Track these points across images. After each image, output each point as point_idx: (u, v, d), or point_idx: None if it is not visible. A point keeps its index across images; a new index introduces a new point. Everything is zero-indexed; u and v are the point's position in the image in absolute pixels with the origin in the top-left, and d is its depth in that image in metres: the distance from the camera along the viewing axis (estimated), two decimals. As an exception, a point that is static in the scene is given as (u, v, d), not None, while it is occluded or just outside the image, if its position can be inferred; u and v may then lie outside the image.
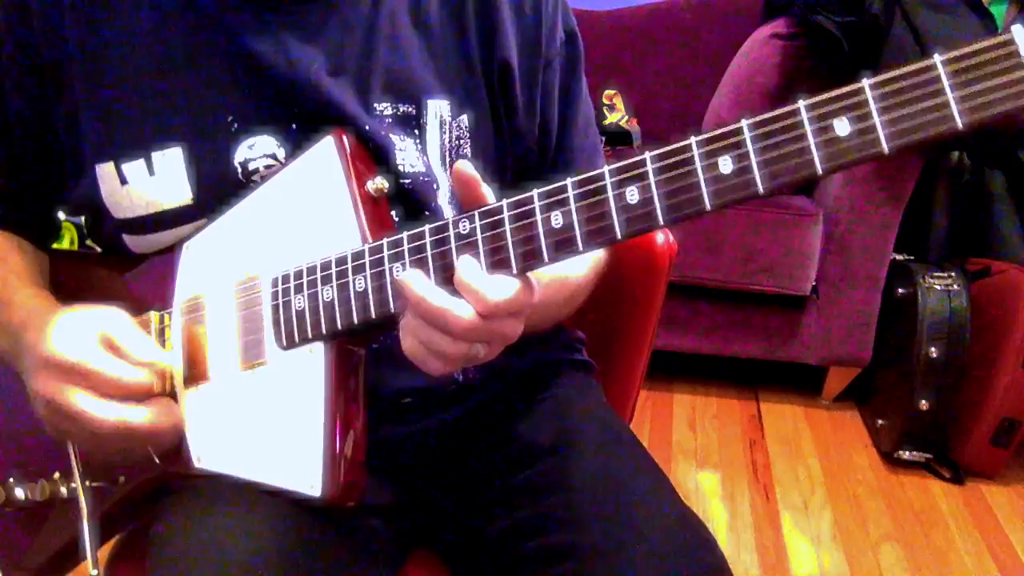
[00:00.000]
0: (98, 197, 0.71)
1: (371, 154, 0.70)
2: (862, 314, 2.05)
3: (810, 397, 2.25)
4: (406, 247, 0.58)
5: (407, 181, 0.72)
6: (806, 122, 0.45)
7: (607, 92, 2.49)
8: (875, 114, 0.43)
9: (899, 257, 2.03)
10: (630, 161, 0.50)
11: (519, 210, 0.54)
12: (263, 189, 0.69)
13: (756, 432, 2.10)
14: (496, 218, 0.55)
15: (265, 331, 0.66)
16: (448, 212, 0.74)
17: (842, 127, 0.44)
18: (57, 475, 0.74)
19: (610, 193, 0.51)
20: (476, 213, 0.56)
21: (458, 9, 0.75)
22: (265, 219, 0.68)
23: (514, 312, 0.56)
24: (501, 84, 0.76)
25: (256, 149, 0.70)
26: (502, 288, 0.54)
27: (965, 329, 1.82)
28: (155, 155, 0.69)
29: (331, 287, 0.62)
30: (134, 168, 0.69)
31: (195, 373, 0.69)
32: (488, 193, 0.56)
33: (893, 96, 0.43)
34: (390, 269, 0.59)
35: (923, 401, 1.84)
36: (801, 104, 0.45)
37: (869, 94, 0.43)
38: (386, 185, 0.65)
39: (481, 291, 0.53)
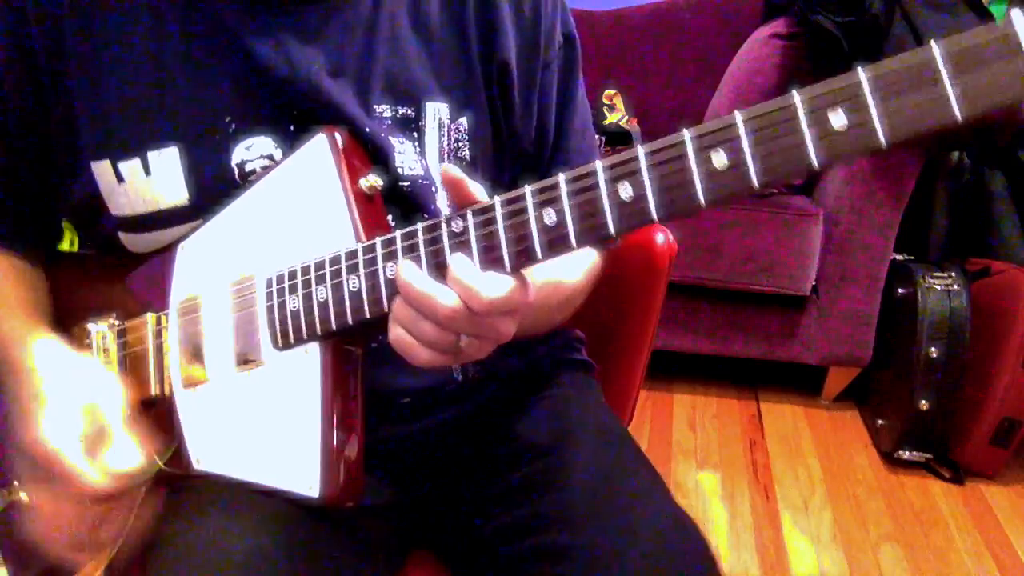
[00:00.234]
0: (97, 193, 0.71)
1: (370, 156, 0.70)
2: (862, 314, 2.05)
3: (810, 397, 2.25)
4: (399, 246, 0.58)
5: (406, 184, 0.72)
6: (801, 115, 0.44)
7: (607, 92, 2.48)
8: (872, 106, 0.42)
9: (899, 257, 2.03)
10: (623, 156, 0.50)
11: (511, 207, 0.54)
12: (257, 188, 0.68)
13: (756, 432, 2.10)
14: (488, 216, 0.55)
15: (260, 332, 0.66)
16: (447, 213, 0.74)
17: (838, 119, 0.43)
18: None
19: (603, 189, 0.50)
20: (469, 211, 0.55)
21: (458, 11, 0.74)
22: (259, 218, 0.68)
23: (508, 310, 0.55)
24: (500, 86, 0.76)
25: (253, 150, 0.70)
26: (496, 286, 0.54)
27: (965, 329, 1.82)
28: (151, 155, 0.69)
29: (325, 287, 0.62)
30: (130, 167, 0.69)
31: (192, 375, 0.69)
32: (477, 191, 0.56)
33: (890, 87, 0.42)
34: (384, 268, 0.59)
35: (923, 401, 1.84)
36: (796, 96, 0.44)
37: (865, 86, 0.42)
38: (380, 182, 0.65)
39: (475, 288, 0.53)
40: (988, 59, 0.40)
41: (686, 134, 0.47)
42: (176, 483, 0.71)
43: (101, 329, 0.74)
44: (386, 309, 0.59)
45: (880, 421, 2.01)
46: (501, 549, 0.72)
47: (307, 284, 0.63)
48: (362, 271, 0.60)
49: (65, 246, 0.85)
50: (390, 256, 0.59)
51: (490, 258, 0.54)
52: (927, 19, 1.93)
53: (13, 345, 0.68)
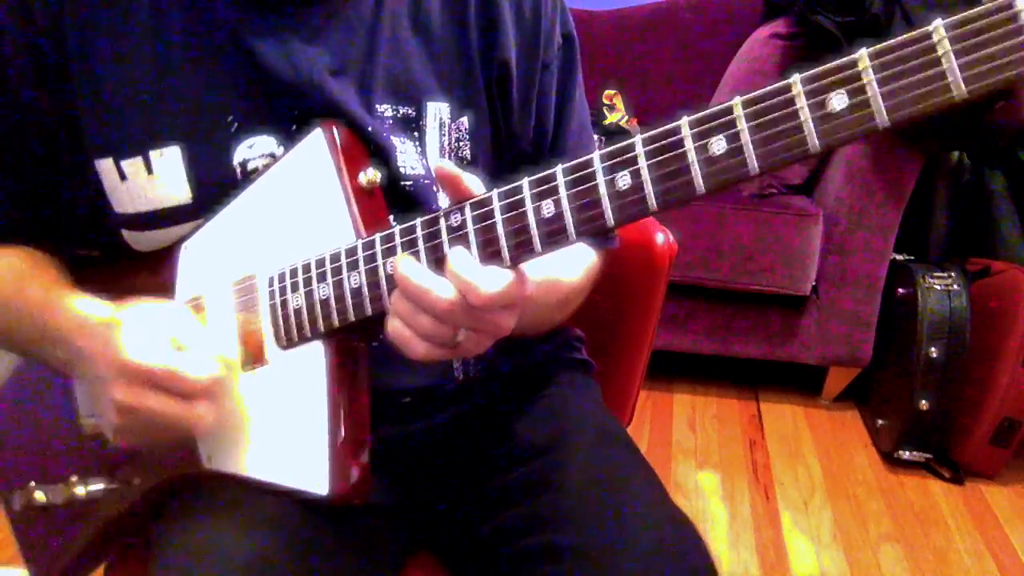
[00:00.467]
0: (100, 191, 0.71)
1: (372, 155, 0.70)
2: (862, 314, 2.05)
3: (810, 397, 2.25)
4: (398, 241, 0.58)
5: (408, 183, 0.72)
6: (801, 97, 0.43)
7: (607, 92, 2.48)
8: (872, 86, 0.41)
9: (899, 257, 2.03)
10: (620, 145, 0.50)
11: (509, 200, 0.54)
12: (257, 185, 0.68)
13: (756, 432, 2.10)
14: (486, 209, 0.55)
15: (264, 331, 0.66)
16: None
17: (838, 101, 0.42)
18: (75, 478, 0.74)
19: (600, 179, 0.50)
20: (467, 205, 0.55)
21: (459, 11, 0.74)
22: (259, 216, 0.68)
23: (507, 304, 0.55)
24: (500, 86, 0.76)
25: (256, 149, 0.70)
26: (494, 279, 0.53)
27: (965, 329, 1.82)
28: (153, 153, 0.69)
29: (326, 284, 0.62)
30: (132, 165, 0.69)
31: None
32: (474, 185, 0.56)
33: (891, 66, 0.41)
34: (384, 264, 0.59)
35: (923, 401, 1.84)
36: (796, 78, 0.43)
37: (865, 65, 0.42)
38: (378, 176, 0.65)
39: (473, 282, 0.53)
40: (990, 35, 0.39)
41: (684, 120, 0.47)
42: (180, 482, 0.71)
43: None
44: (387, 306, 0.59)
45: (880, 421, 2.01)
46: (500, 549, 0.72)
47: (308, 282, 0.63)
48: (362, 268, 0.60)
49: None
50: (390, 252, 0.59)
51: (489, 252, 0.54)
52: (927, 19, 1.92)
53: (60, 306, 0.68)
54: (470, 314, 0.55)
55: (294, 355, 0.64)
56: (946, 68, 0.40)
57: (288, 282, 0.64)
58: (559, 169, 0.52)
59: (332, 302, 0.61)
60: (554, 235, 0.52)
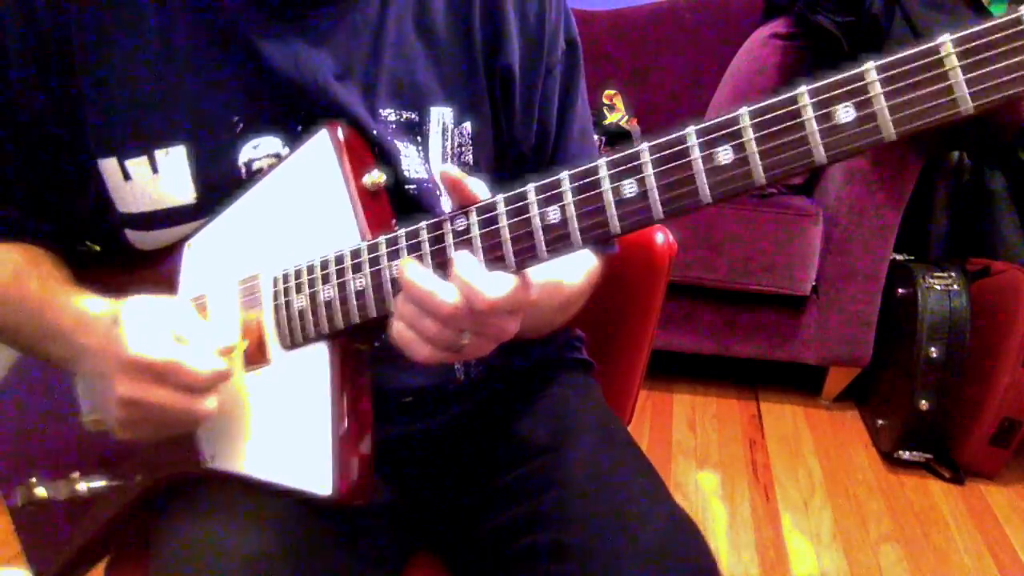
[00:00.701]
0: (104, 189, 0.71)
1: (377, 158, 0.70)
2: (862, 314, 2.05)
3: (810, 397, 2.25)
4: (403, 244, 0.58)
5: (412, 187, 0.73)
6: (809, 109, 0.43)
7: (607, 92, 2.49)
8: (880, 100, 0.41)
9: (899, 257, 2.03)
10: (626, 153, 0.49)
11: (515, 205, 0.54)
12: (261, 185, 0.69)
13: (756, 432, 2.10)
14: (492, 214, 0.55)
15: (267, 331, 0.66)
16: None
17: (845, 114, 0.42)
18: (76, 474, 0.74)
19: (606, 186, 0.50)
20: (473, 209, 0.55)
21: (464, 16, 0.74)
22: (264, 216, 0.68)
23: (511, 309, 0.55)
24: (503, 91, 0.76)
25: (260, 149, 0.70)
26: (499, 284, 0.54)
27: (965, 329, 1.82)
28: (158, 153, 0.69)
29: (330, 286, 0.62)
30: (137, 165, 0.69)
31: None
32: (479, 189, 0.56)
33: (898, 80, 0.41)
34: (388, 267, 0.59)
35: (923, 401, 1.84)
36: (803, 90, 0.43)
37: (873, 79, 0.42)
38: (383, 178, 0.65)
39: (478, 287, 0.53)
40: (998, 51, 0.39)
41: (691, 129, 0.47)
42: (180, 482, 0.71)
43: None
44: (391, 309, 0.59)
45: (880, 421, 2.01)
46: (501, 548, 0.72)
47: (312, 284, 0.63)
48: (367, 270, 0.60)
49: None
50: (394, 255, 0.59)
51: (493, 256, 0.55)
52: (927, 19, 1.93)
53: (60, 302, 0.68)
54: (474, 318, 0.55)
55: (297, 356, 0.65)
56: (953, 83, 0.40)
57: (292, 283, 0.64)
58: (565, 175, 0.52)
59: (336, 304, 0.61)
60: (558, 241, 0.52)
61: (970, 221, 2.17)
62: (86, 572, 0.85)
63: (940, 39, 0.40)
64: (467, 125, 0.75)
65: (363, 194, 0.64)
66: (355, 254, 0.61)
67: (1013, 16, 0.39)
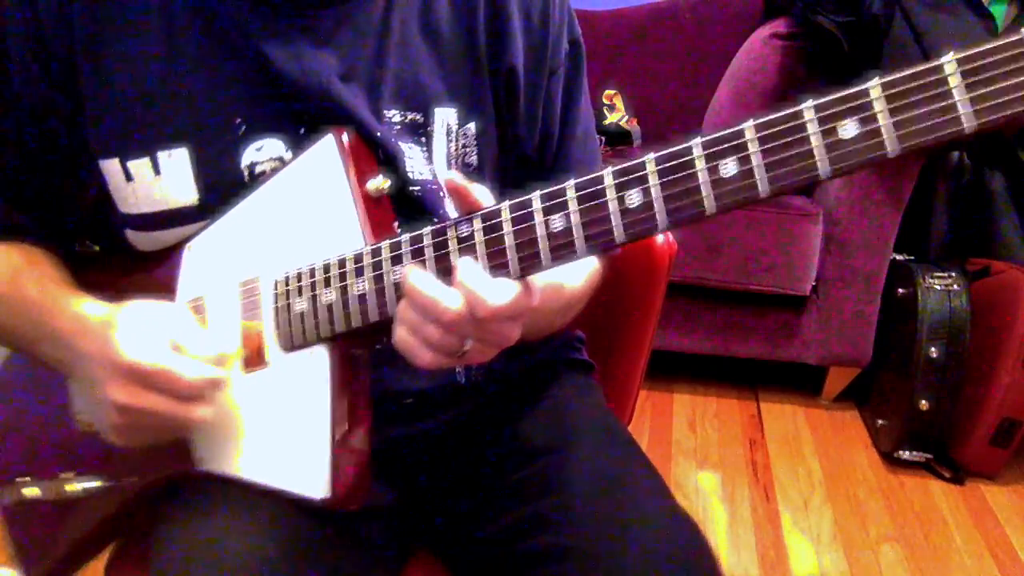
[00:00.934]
0: (105, 190, 0.71)
1: (380, 160, 0.70)
2: (862, 314, 2.05)
3: (810, 397, 2.25)
4: (406, 250, 0.58)
5: (416, 188, 0.73)
6: (812, 124, 0.44)
7: (607, 92, 2.49)
8: (883, 116, 0.42)
9: (899, 257, 2.03)
10: (631, 163, 0.50)
11: (519, 213, 0.54)
12: (264, 189, 0.69)
13: (756, 432, 2.10)
14: (495, 221, 0.55)
15: (267, 333, 0.66)
16: None
17: (848, 130, 0.43)
18: (68, 474, 0.74)
19: (611, 196, 0.50)
20: (476, 216, 0.56)
21: (468, 17, 0.74)
22: (266, 219, 0.68)
23: (513, 316, 0.56)
24: (507, 92, 0.76)
25: (264, 152, 0.70)
26: (501, 291, 0.54)
27: (965, 329, 1.82)
28: (160, 154, 0.69)
29: (332, 290, 0.62)
30: (139, 166, 0.69)
31: None
32: (482, 196, 0.56)
33: (902, 97, 0.41)
34: (390, 272, 0.59)
35: (923, 401, 1.84)
36: (808, 105, 0.44)
37: (877, 95, 0.42)
38: (387, 183, 0.65)
39: (480, 294, 0.53)
40: (1001, 71, 0.39)
41: (695, 142, 0.47)
42: (178, 483, 0.71)
43: None
44: (392, 313, 0.59)
45: (880, 421, 2.01)
46: (502, 550, 0.72)
47: (313, 287, 0.63)
48: (368, 275, 0.60)
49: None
50: (397, 260, 0.59)
51: (496, 263, 0.55)
52: (927, 19, 1.93)
53: (58, 305, 0.68)
54: (477, 325, 0.55)
55: (296, 359, 0.64)
56: (957, 101, 0.40)
57: (293, 286, 0.64)
58: (570, 184, 0.52)
59: (337, 307, 0.61)
60: (562, 249, 0.52)
61: (970, 221, 2.17)
62: (75, 573, 0.84)
63: (944, 57, 0.40)
64: (471, 126, 0.75)
65: (366, 199, 0.64)
66: (357, 258, 0.61)
67: (1016, 37, 0.39)
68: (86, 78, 0.69)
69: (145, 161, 0.69)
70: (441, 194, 0.74)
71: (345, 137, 0.65)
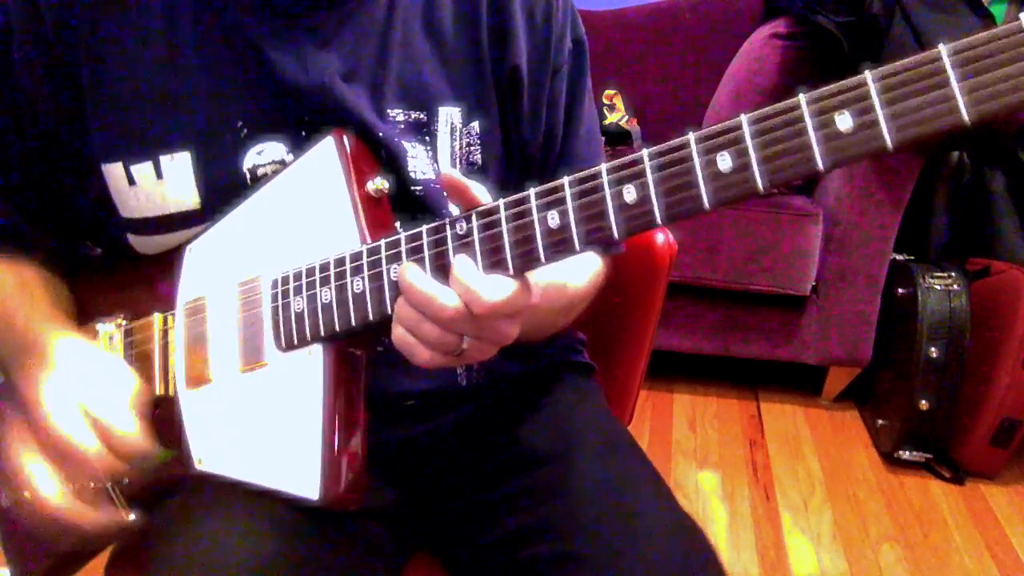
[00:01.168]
0: (107, 195, 0.71)
1: (383, 160, 0.70)
2: (862, 314, 2.05)
3: (810, 397, 2.25)
4: (403, 248, 0.58)
5: (418, 188, 0.73)
6: (807, 116, 0.43)
7: (607, 92, 2.49)
8: (878, 107, 0.41)
9: (899, 257, 2.03)
10: (627, 159, 0.50)
11: (516, 209, 0.54)
12: (265, 190, 0.69)
13: (756, 432, 2.10)
14: (493, 218, 0.55)
15: (265, 333, 0.66)
16: None
17: (844, 121, 0.42)
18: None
19: (607, 192, 0.50)
20: (473, 213, 0.56)
21: (471, 17, 0.74)
22: (266, 220, 0.68)
23: (510, 313, 0.55)
24: (511, 91, 0.76)
25: (265, 155, 0.70)
26: (498, 288, 0.54)
27: (965, 329, 1.82)
28: (163, 158, 0.69)
29: (329, 289, 0.62)
30: (142, 170, 0.69)
31: (196, 375, 0.69)
32: (481, 193, 0.56)
33: (897, 88, 0.41)
34: (388, 270, 0.59)
35: (923, 401, 1.84)
36: (802, 98, 0.43)
37: (872, 87, 0.42)
38: (386, 185, 0.65)
39: (476, 291, 0.53)
40: (997, 60, 0.39)
41: (691, 136, 0.47)
42: (176, 484, 0.71)
43: (108, 329, 0.74)
44: (390, 311, 0.59)
45: (880, 421, 2.01)
46: (506, 556, 0.72)
47: (311, 286, 0.63)
48: (366, 273, 0.60)
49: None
50: (394, 258, 0.59)
51: (493, 260, 0.55)
52: (927, 19, 1.93)
53: (31, 338, 0.68)
54: (474, 322, 0.55)
55: (293, 358, 0.64)
56: (952, 91, 0.40)
57: (291, 285, 0.64)
58: (566, 180, 0.52)
59: (335, 306, 0.61)
60: (559, 245, 0.52)
61: (970, 221, 2.16)
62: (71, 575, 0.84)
63: (939, 47, 0.40)
64: (475, 125, 0.75)
65: (366, 201, 0.64)
66: (355, 257, 0.61)
67: (1013, 24, 0.38)
68: (89, 82, 0.69)
69: (148, 165, 0.69)
70: (445, 193, 0.73)
71: (345, 138, 0.65)
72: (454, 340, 0.56)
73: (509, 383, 0.83)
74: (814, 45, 2.03)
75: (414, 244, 0.58)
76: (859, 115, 0.42)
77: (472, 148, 0.75)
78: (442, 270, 0.56)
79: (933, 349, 1.83)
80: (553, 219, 0.52)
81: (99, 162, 0.70)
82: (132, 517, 0.71)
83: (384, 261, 0.59)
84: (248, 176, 0.70)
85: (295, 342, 0.64)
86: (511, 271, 0.54)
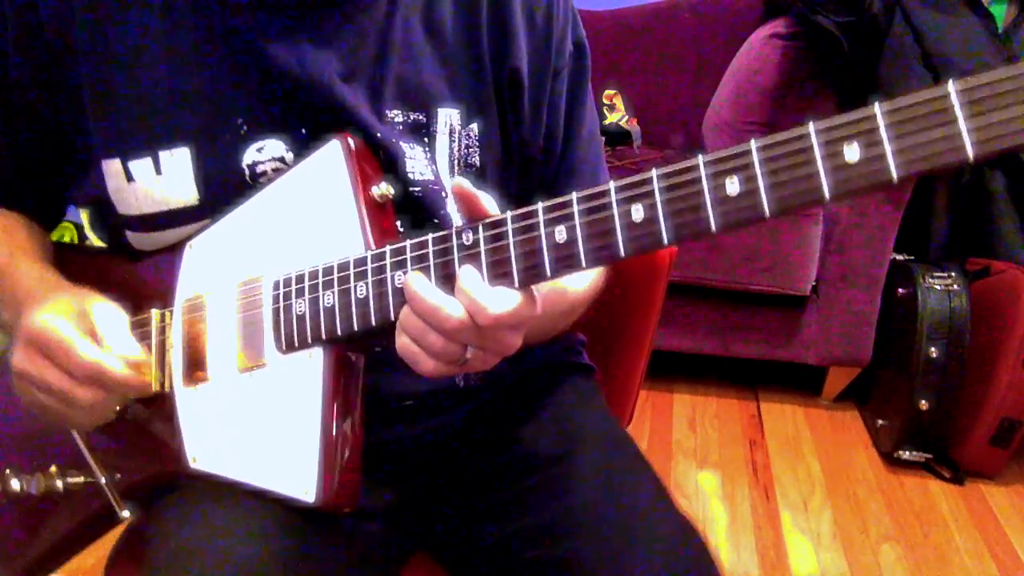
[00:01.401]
0: (104, 191, 0.71)
1: (381, 161, 0.70)
2: (862, 314, 2.05)
3: (810, 397, 2.25)
4: (409, 255, 0.58)
5: (416, 189, 0.72)
6: (816, 146, 0.44)
7: (607, 92, 2.49)
8: (886, 141, 0.42)
9: (899, 257, 2.03)
10: (636, 178, 0.50)
11: (523, 223, 0.54)
12: (269, 190, 0.69)
13: (756, 432, 2.10)
14: (499, 230, 0.55)
15: (265, 334, 0.66)
16: (457, 220, 0.74)
17: (852, 153, 0.43)
18: (54, 469, 0.74)
19: (615, 210, 0.50)
20: (480, 224, 0.56)
21: (472, 17, 0.74)
22: (270, 221, 0.68)
23: (515, 324, 0.56)
24: (510, 93, 0.75)
25: (265, 152, 0.70)
26: (503, 300, 0.54)
27: (965, 329, 1.82)
28: (162, 154, 0.69)
29: (332, 292, 0.62)
30: (141, 166, 0.69)
31: (194, 373, 0.69)
32: (488, 205, 0.56)
33: (905, 123, 0.42)
34: (392, 277, 0.59)
35: (923, 401, 1.84)
36: (811, 128, 0.44)
37: (881, 120, 0.42)
38: (391, 191, 0.65)
39: (481, 302, 0.54)
40: (1004, 100, 0.39)
41: (700, 159, 0.48)
42: (173, 481, 0.71)
43: None
44: (392, 318, 0.59)
45: (880, 421, 2.01)
46: (505, 557, 0.72)
47: (314, 288, 0.63)
48: (370, 279, 0.60)
49: (67, 240, 0.86)
50: (399, 265, 0.59)
51: (498, 272, 0.55)
52: (927, 19, 1.93)
53: (19, 272, 0.70)
54: (478, 333, 0.55)
55: (292, 360, 0.64)
56: (959, 129, 0.40)
57: (294, 287, 0.64)
58: (574, 196, 0.52)
59: (337, 310, 0.61)
60: (564, 261, 0.53)
61: (970, 221, 2.16)
62: (55, 571, 0.84)
63: (948, 84, 0.40)
64: (474, 127, 0.75)
65: (371, 205, 0.64)
66: (359, 262, 0.61)
67: (1020, 67, 0.39)
68: (88, 78, 0.69)
69: (147, 161, 0.69)
70: (443, 195, 0.73)
71: (351, 143, 0.65)
72: (458, 350, 0.56)
73: (509, 384, 0.83)
74: (814, 45, 2.03)
75: (419, 252, 0.58)
76: (867, 147, 0.43)
77: (471, 150, 0.75)
78: (447, 280, 0.56)
79: (933, 349, 1.83)
80: (560, 234, 0.52)
81: (99, 158, 0.70)
82: (126, 514, 0.71)
83: (389, 268, 0.59)
84: (247, 172, 0.70)
85: (295, 344, 0.64)
86: (516, 284, 0.54)
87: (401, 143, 0.72)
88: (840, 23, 1.93)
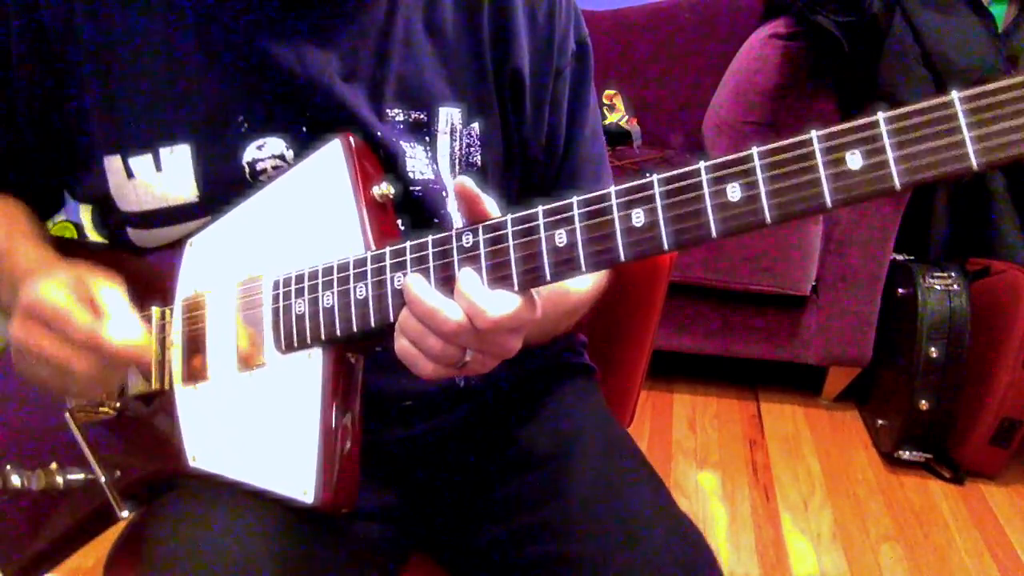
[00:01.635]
0: (105, 188, 0.71)
1: (381, 160, 0.70)
2: (862, 314, 2.05)
3: (810, 397, 2.25)
4: (408, 257, 0.58)
5: (417, 188, 0.72)
6: (818, 153, 0.44)
7: (607, 92, 2.49)
8: (889, 149, 0.42)
9: (899, 257, 2.03)
10: (637, 183, 0.50)
11: (523, 226, 0.54)
12: (269, 189, 0.69)
13: (756, 432, 2.10)
14: (499, 233, 0.55)
15: (265, 333, 0.66)
16: (457, 220, 0.74)
17: (854, 160, 0.43)
18: (54, 466, 0.74)
19: (616, 214, 0.50)
20: (480, 227, 0.56)
21: (473, 16, 0.74)
22: (270, 219, 0.68)
23: (514, 328, 0.56)
24: (512, 92, 0.75)
25: (265, 150, 0.70)
26: (502, 304, 0.54)
27: (965, 329, 1.82)
28: (163, 151, 0.69)
29: (332, 293, 0.62)
30: (141, 162, 0.70)
31: (193, 371, 0.69)
32: (490, 208, 0.56)
33: (908, 132, 0.42)
34: (391, 278, 0.59)
35: (923, 401, 1.84)
36: (813, 135, 0.44)
37: (884, 128, 0.42)
38: (392, 191, 0.65)
39: (480, 306, 0.53)
40: (1008, 110, 0.39)
41: (702, 165, 0.47)
42: (171, 481, 0.71)
43: None
44: (391, 319, 0.59)
45: (880, 421, 2.01)
46: (504, 557, 0.72)
47: (314, 289, 0.63)
48: (370, 279, 0.60)
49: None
50: (399, 266, 0.59)
51: (498, 275, 0.55)
52: (927, 19, 1.93)
53: (18, 252, 0.70)
54: (477, 336, 0.55)
55: (291, 360, 0.64)
56: (963, 139, 0.40)
57: (293, 287, 0.64)
58: (575, 200, 0.52)
59: (336, 311, 0.61)
60: (564, 264, 0.53)
61: (970, 221, 2.16)
62: (53, 569, 0.84)
63: (952, 94, 0.40)
64: (475, 126, 0.75)
65: (371, 205, 0.64)
66: (359, 263, 0.61)
67: (1022, 78, 0.39)
68: (88, 74, 0.69)
69: (147, 158, 0.69)
70: (444, 194, 0.73)
71: (352, 141, 0.65)
72: (457, 353, 0.56)
73: (509, 384, 0.83)
74: (814, 45, 2.03)
75: (419, 254, 0.58)
76: (869, 155, 0.42)
77: (472, 149, 0.75)
78: (447, 282, 0.56)
79: (933, 349, 1.83)
80: (560, 238, 0.52)
81: (99, 155, 0.70)
82: (125, 513, 0.71)
83: (388, 269, 0.59)
84: (247, 170, 0.70)
85: (295, 344, 0.64)
86: (516, 287, 0.54)
87: (402, 142, 0.72)
88: (840, 23, 1.93)
